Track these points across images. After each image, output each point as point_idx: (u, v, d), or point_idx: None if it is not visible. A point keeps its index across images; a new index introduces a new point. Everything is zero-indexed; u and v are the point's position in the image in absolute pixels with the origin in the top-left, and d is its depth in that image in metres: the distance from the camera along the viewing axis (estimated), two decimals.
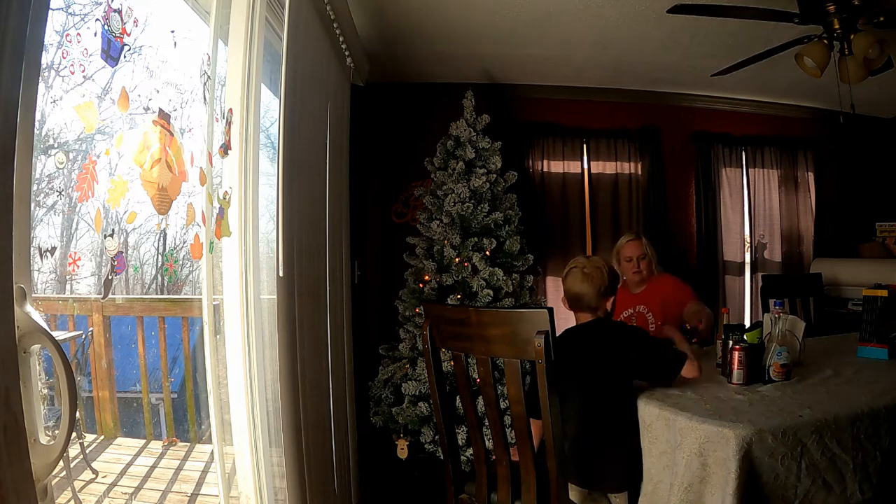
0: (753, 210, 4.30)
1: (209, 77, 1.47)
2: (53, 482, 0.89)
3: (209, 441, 1.91)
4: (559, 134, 3.97)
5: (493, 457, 1.64)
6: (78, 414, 0.95)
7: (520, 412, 1.51)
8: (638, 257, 2.82)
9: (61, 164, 1.02)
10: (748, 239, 4.34)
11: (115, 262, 1.09)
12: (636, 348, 1.74)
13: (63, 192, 1.06)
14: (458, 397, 2.57)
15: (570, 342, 1.78)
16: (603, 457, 1.70)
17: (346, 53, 2.81)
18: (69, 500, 1.71)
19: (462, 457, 2.72)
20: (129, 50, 1.07)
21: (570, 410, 1.68)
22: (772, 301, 1.90)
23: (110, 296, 1.13)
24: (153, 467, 2.14)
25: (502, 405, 1.74)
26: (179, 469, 2.17)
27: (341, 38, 2.60)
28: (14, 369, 0.78)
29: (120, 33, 1.03)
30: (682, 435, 1.50)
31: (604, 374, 1.73)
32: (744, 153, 4.29)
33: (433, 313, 1.75)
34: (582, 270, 1.84)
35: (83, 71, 0.98)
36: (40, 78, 0.84)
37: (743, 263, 4.31)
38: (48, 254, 1.00)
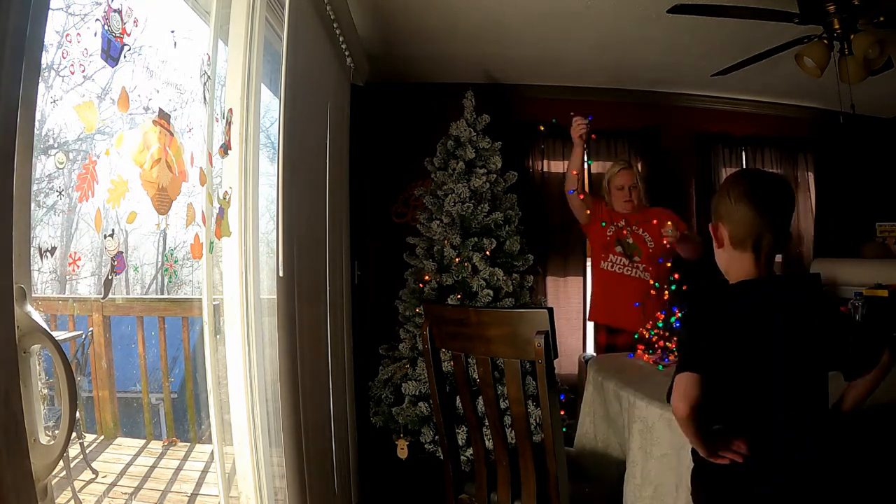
0: None
1: (209, 77, 1.47)
2: (53, 482, 0.89)
3: (209, 441, 1.91)
4: (559, 134, 3.96)
5: (493, 457, 1.64)
6: (78, 414, 0.95)
7: (520, 412, 1.51)
8: (629, 186, 2.84)
9: (61, 164, 1.02)
10: None
11: (115, 262, 1.09)
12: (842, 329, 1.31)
13: (63, 192, 1.06)
14: (457, 397, 2.57)
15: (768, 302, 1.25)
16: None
17: (346, 53, 2.81)
18: (69, 500, 1.71)
19: (462, 457, 2.72)
20: (129, 50, 1.07)
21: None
22: None
23: (110, 296, 1.13)
24: (153, 467, 2.14)
25: (502, 405, 1.74)
26: (179, 469, 2.18)
27: (341, 39, 2.60)
28: (14, 369, 0.78)
29: (120, 33, 1.03)
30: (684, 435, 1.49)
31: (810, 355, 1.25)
32: (744, 153, 4.28)
33: (433, 313, 1.75)
34: (773, 194, 1.28)
35: (83, 71, 0.98)
36: (40, 78, 0.84)
37: None
38: (48, 254, 0.99)
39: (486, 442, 1.81)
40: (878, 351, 1.29)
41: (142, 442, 2.28)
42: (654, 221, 2.79)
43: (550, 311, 1.44)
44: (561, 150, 3.97)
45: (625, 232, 2.83)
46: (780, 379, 1.22)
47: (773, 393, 1.23)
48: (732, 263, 1.31)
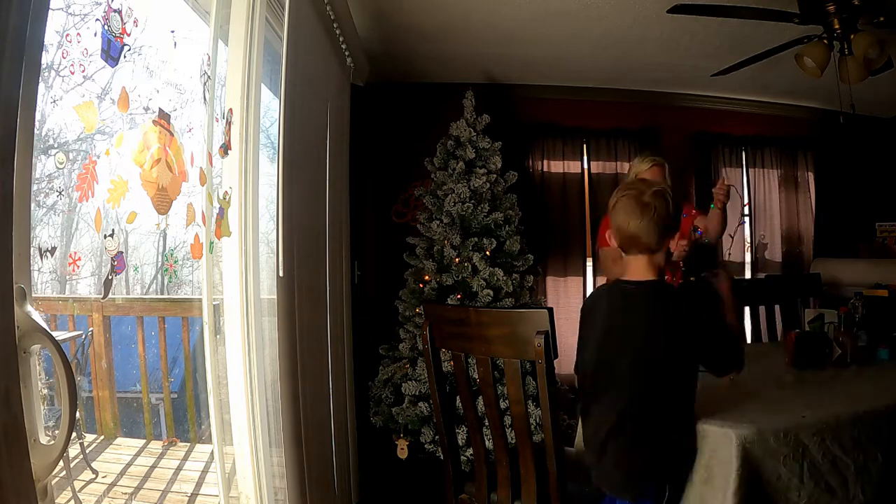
0: (753, 210, 4.30)
1: (209, 77, 1.47)
2: (53, 482, 0.88)
3: (209, 441, 1.91)
4: (559, 134, 3.97)
5: (493, 457, 1.64)
6: (78, 414, 0.95)
7: (520, 412, 1.51)
8: None
9: (61, 164, 1.02)
10: (748, 239, 4.34)
11: (115, 262, 1.09)
12: (702, 329, 1.41)
13: (63, 192, 1.06)
14: (458, 397, 2.57)
15: (611, 306, 1.50)
16: (632, 454, 1.40)
17: (346, 53, 2.81)
18: (69, 500, 1.71)
19: (462, 457, 2.72)
20: (129, 50, 1.07)
21: (607, 398, 1.43)
22: None
23: (110, 296, 1.13)
24: (153, 467, 2.14)
25: (503, 405, 1.74)
26: (179, 469, 2.17)
27: (341, 39, 2.60)
28: (14, 369, 0.78)
29: (120, 33, 1.03)
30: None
31: (659, 356, 1.37)
32: (744, 153, 4.29)
33: (433, 313, 1.75)
34: (638, 199, 1.40)
35: (83, 71, 0.98)
36: (40, 78, 0.83)
37: (743, 263, 4.31)
38: (48, 254, 0.99)
39: (487, 442, 1.81)
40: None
41: (142, 442, 2.28)
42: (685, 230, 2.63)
43: (550, 311, 1.43)
44: (561, 150, 3.98)
45: None
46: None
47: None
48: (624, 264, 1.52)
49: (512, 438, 1.63)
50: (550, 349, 1.43)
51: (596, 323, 1.50)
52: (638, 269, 1.45)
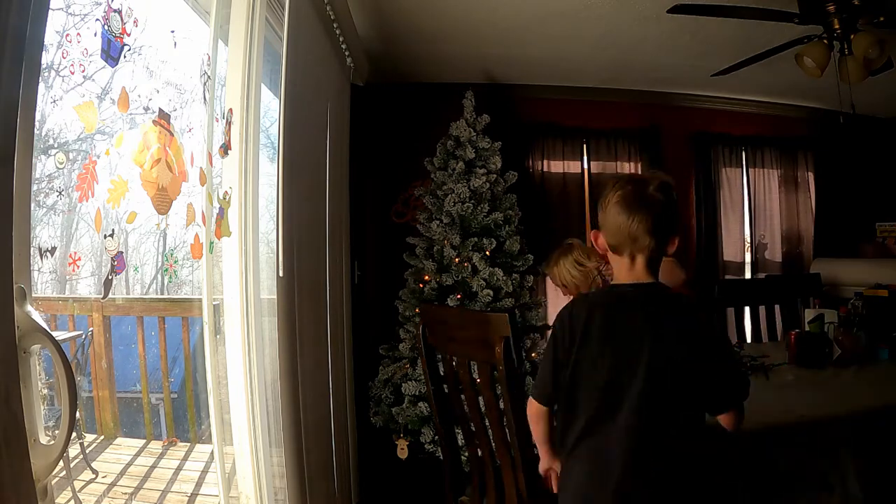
0: (754, 210, 4.30)
1: (209, 77, 1.47)
2: (53, 482, 0.89)
3: (209, 441, 1.91)
4: (559, 134, 3.97)
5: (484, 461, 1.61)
6: (78, 414, 0.95)
7: (494, 418, 1.47)
8: None
9: (61, 164, 1.02)
10: (748, 239, 4.34)
11: (115, 262, 1.09)
12: (715, 351, 1.19)
13: (63, 192, 1.06)
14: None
15: (604, 312, 1.22)
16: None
17: (346, 53, 2.81)
18: (69, 500, 1.71)
19: (463, 457, 2.72)
20: (129, 50, 1.07)
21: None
22: None
23: (110, 296, 1.13)
24: (153, 467, 2.14)
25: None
26: (179, 469, 2.18)
27: (341, 39, 2.60)
28: (14, 369, 0.78)
29: (120, 33, 1.03)
30: None
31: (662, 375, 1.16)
32: (744, 153, 4.29)
33: (426, 314, 1.74)
34: (642, 192, 1.21)
35: (83, 71, 0.98)
36: (40, 78, 0.84)
37: (743, 263, 4.31)
38: (48, 254, 0.99)
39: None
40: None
41: (142, 442, 2.28)
42: None
43: (512, 314, 1.37)
44: (561, 150, 3.98)
45: None
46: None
47: None
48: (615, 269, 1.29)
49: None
50: (511, 354, 1.37)
51: (591, 338, 1.21)
52: (633, 271, 1.23)
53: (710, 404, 1.22)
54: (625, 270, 1.24)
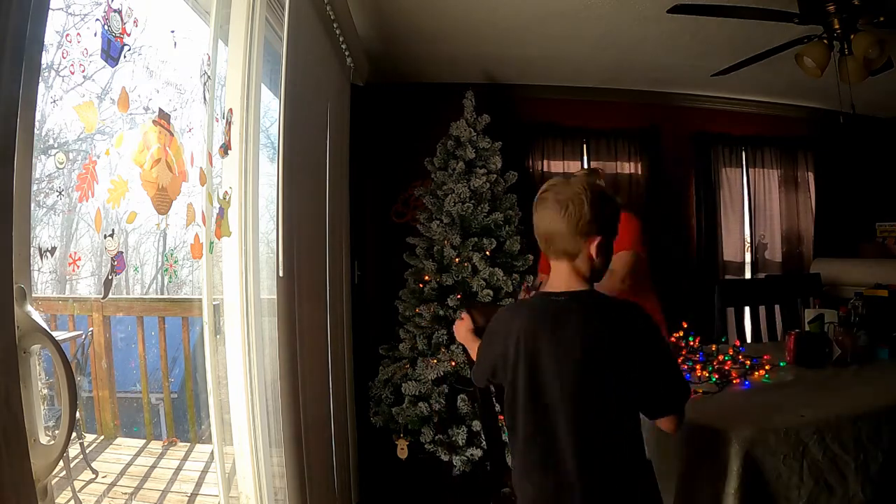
0: (753, 210, 4.30)
1: (209, 77, 1.47)
2: (53, 482, 0.89)
3: (209, 441, 1.91)
4: (559, 134, 3.97)
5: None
6: (78, 414, 0.95)
7: None
8: None
9: (61, 164, 1.02)
10: (748, 239, 4.34)
11: (115, 262, 1.09)
12: (645, 350, 1.17)
13: (63, 192, 1.06)
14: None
15: (536, 319, 1.21)
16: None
17: (346, 53, 2.81)
18: (69, 500, 1.72)
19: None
20: (129, 50, 1.07)
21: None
22: None
23: (110, 296, 1.13)
24: (153, 467, 2.14)
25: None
26: (179, 469, 2.18)
27: (341, 38, 2.60)
28: (14, 369, 0.78)
29: (120, 33, 1.03)
30: (683, 434, 1.49)
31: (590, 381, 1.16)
32: (744, 153, 4.29)
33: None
34: (554, 197, 1.20)
35: (83, 71, 0.98)
36: (40, 78, 0.83)
37: (743, 263, 4.31)
38: (48, 254, 0.99)
39: None
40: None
41: (142, 442, 2.28)
42: None
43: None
44: (561, 150, 3.98)
45: None
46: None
47: None
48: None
49: None
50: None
51: (510, 342, 1.21)
52: (561, 277, 1.22)
53: (646, 408, 1.21)
54: (554, 277, 1.24)
